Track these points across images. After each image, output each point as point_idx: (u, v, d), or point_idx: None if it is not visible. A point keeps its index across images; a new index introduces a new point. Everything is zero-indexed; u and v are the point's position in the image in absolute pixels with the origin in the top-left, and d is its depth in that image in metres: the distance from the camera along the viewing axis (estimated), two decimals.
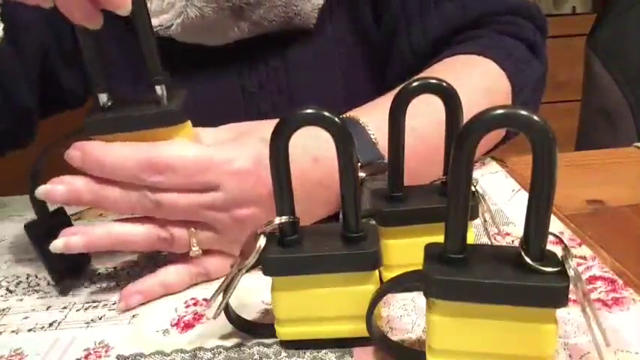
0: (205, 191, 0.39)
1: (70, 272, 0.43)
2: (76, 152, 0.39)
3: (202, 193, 0.39)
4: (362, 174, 0.43)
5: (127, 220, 0.41)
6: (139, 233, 0.40)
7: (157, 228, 0.40)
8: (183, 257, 0.42)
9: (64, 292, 0.43)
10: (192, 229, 0.41)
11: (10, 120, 0.62)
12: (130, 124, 0.40)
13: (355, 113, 0.48)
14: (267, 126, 0.42)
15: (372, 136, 0.46)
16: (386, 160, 0.45)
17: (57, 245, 0.39)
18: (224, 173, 0.39)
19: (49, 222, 0.41)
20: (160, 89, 0.40)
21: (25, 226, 0.41)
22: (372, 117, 0.47)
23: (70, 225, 0.43)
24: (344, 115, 0.48)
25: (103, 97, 0.40)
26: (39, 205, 0.42)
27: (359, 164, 0.44)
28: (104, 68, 0.40)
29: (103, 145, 0.39)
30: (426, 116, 0.48)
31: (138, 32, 0.39)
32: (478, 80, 0.54)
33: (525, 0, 0.63)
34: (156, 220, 0.40)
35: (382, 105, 0.50)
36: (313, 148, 0.43)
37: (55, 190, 0.39)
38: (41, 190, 0.39)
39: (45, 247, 0.41)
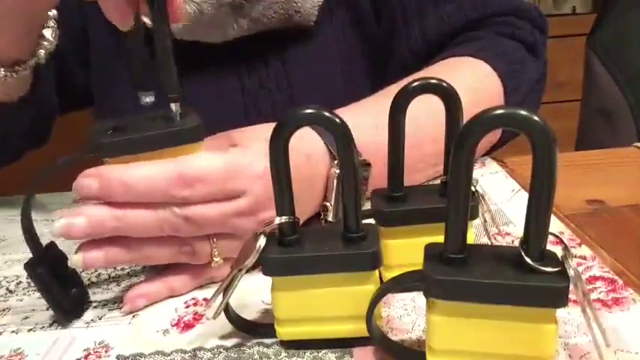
0: (232, 199, 0.39)
1: (74, 309, 0.41)
2: (90, 180, 0.37)
3: (229, 201, 0.39)
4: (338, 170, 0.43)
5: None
6: (160, 248, 0.39)
7: (179, 242, 0.39)
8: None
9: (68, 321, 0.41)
10: (214, 239, 0.40)
11: (34, 118, 0.63)
12: (148, 143, 0.38)
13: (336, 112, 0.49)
14: (264, 128, 0.43)
15: None
16: (362, 157, 0.46)
17: (76, 260, 0.38)
18: (248, 177, 0.39)
19: (45, 258, 0.39)
20: (175, 107, 0.39)
21: (25, 267, 0.39)
22: (348, 117, 0.47)
23: (65, 258, 0.40)
24: None
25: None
26: (33, 240, 0.39)
27: (335, 161, 0.44)
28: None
29: (121, 167, 0.37)
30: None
31: (156, 50, 0.38)
32: (465, 80, 0.54)
33: (525, 1, 0.64)
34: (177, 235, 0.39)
35: (361, 106, 0.51)
36: (304, 147, 0.43)
37: (74, 224, 0.37)
38: (59, 228, 0.37)
39: (48, 286, 0.39)
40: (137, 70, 0.40)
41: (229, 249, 0.40)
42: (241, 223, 0.39)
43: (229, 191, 0.38)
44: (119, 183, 0.37)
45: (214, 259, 0.40)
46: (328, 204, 0.45)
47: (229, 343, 0.36)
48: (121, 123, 0.39)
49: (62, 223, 0.37)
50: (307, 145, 0.44)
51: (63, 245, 0.40)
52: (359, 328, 0.33)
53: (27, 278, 0.46)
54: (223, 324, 0.36)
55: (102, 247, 0.38)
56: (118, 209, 0.37)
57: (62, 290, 0.39)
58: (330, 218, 0.45)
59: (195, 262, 0.41)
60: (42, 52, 0.51)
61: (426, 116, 0.48)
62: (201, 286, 0.43)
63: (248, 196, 0.39)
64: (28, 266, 0.38)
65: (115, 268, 0.46)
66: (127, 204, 0.37)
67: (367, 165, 0.46)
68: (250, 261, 0.33)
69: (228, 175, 0.38)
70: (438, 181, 0.39)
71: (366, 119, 0.48)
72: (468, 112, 0.31)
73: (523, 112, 0.25)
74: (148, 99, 0.40)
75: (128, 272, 0.46)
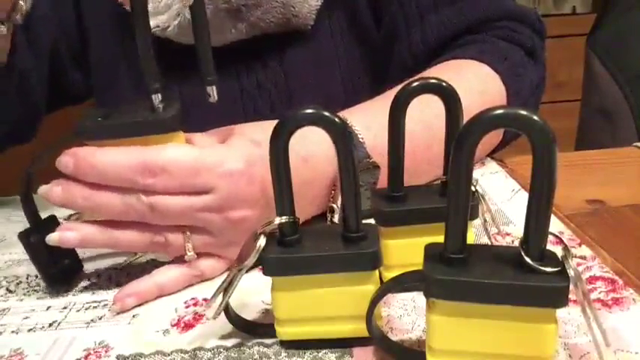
0: (199, 194, 0.39)
1: (63, 279, 0.44)
2: (67, 158, 0.39)
3: (196, 195, 0.39)
4: None
5: (123, 221, 0.40)
6: (134, 235, 0.40)
7: (152, 231, 0.40)
8: (178, 258, 0.42)
9: (57, 295, 0.43)
10: (187, 232, 0.41)
11: (17, 112, 0.63)
12: (123, 130, 0.40)
13: (343, 113, 0.49)
14: (256, 127, 0.43)
15: (359, 136, 0.46)
16: (372, 159, 0.46)
17: (52, 238, 0.40)
18: (217, 175, 0.39)
19: (41, 229, 0.41)
20: (155, 98, 0.40)
21: (18, 235, 0.42)
22: (360, 118, 0.48)
23: None
24: None
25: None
26: (31, 212, 0.42)
27: None
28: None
29: (95, 149, 0.39)
30: (415, 118, 0.48)
31: (137, 41, 0.39)
32: (472, 83, 0.54)
33: (524, 5, 0.64)
34: (151, 224, 0.40)
35: (372, 106, 0.51)
36: (301, 150, 0.44)
37: (53, 190, 0.40)
38: (42, 190, 0.40)
39: (38, 255, 0.41)
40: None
41: (203, 243, 0.41)
42: (209, 219, 0.40)
43: (195, 186, 0.39)
44: (88, 164, 0.39)
45: (187, 252, 0.41)
46: (335, 205, 0.45)
47: (229, 343, 0.36)
48: (112, 109, 0.41)
49: (46, 187, 0.40)
50: (308, 147, 0.44)
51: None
52: (359, 328, 0.33)
53: (27, 278, 0.46)
54: (223, 324, 0.36)
55: (79, 227, 0.40)
56: (88, 188, 0.39)
57: (52, 260, 0.42)
58: (336, 220, 0.45)
59: (169, 253, 0.42)
60: (17, 16, 0.51)
61: (435, 117, 0.48)
62: (201, 286, 0.43)
63: (215, 194, 0.39)
64: (22, 235, 0.42)
65: (114, 269, 0.46)
66: (98, 185, 0.39)
67: (376, 167, 0.46)
68: (250, 261, 0.33)
69: (195, 170, 0.39)
70: (437, 181, 0.39)
71: (378, 119, 0.48)
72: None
73: (523, 112, 0.25)
74: (215, 93, 0.42)
75: (128, 273, 0.46)
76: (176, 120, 0.40)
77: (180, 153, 0.39)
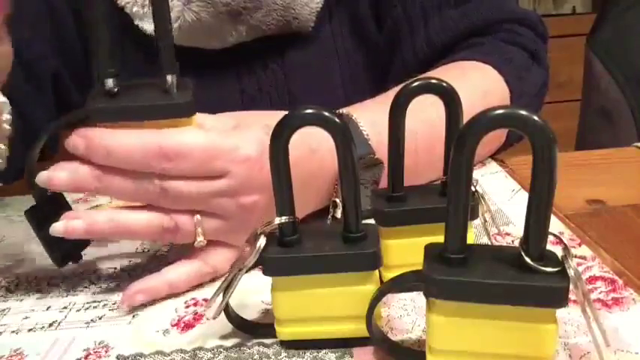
0: (212, 179, 0.39)
1: (71, 255, 0.44)
2: (79, 139, 0.38)
3: (209, 180, 0.39)
4: None
5: (131, 207, 0.40)
6: (143, 221, 0.40)
7: (162, 216, 0.40)
8: (188, 256, 0.42)
9: (64, 266, 0.44)
10: (198, 216, 0.40)
11: (29, 143, 0.63)
12: (138, 113, 0.39)
13: (349, 109, 0.49)
14: (270, 114, 0.43)
15: (364, 132, 0.47)
16: (376, 155, 0.46)
17: (57, 229, 0.39)
18: (232, 160, 0.39)
19: (48, 206, 0.41)
20: (170, 78, 0.39)
21: (25, 212, 0.41)
22: (366, 114, 0.48)
23: (69, 208, 0.43)
24: (338, 111, 0.49)
25: (110, 82, 0.39)
26: (38, 189, 0.41)
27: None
28: (113, 53, 0.39)
29: (108, 131, 0.39)
30: (418, 118, 0.48)
31: (155, 23, 0.39)
32: (476, 84, 0.54)
33: (526, 9, 0.64)
34: (160, 209, 0.40)
35: (377, 103, 0.51)
36: (311, 141, 0.43)
37: (56, 176, 0.39)
38: (42, 177, 0.39)
39: (46, 232, 0.40)
40: (104, 58, 0.39)
41: (213, 229, 0.41)
42: (221, 204, 0.40)
43: (209, 170, 0.39)
44: (101, 147, 0.38)
45: (197, 237, 0.41)
46: (338, 200, 0.45)
47: (229, 343, 0.36)
48: (120, 87, 0.40)
49: (47, 173, 0.39)
50: (317, 139, 0.43)
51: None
52: (359, 328, 0.33)
53: (27, 278, 0.46)
54: (223, 324, 0.36)
55: (85, 215, 0.40)
56: (100, 170, 0.39)
57: (59, 236, 0.41)
58: (338, 215, 0.45)
59: (179, 240, 0.41)
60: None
61: (438, 118, 0.48)
62: (201, 286, 0.43)
63: (229, 178, 0.39)
64: (28, 212, 0.41)
65: (116, 268, 0.46)
66: (109, 167, 0.38)
67: (379, 163, 0.46)
68: (250, 261, 0.33)
69: (210, 155, 0.39)
70: (438, 181, 0.39)
71: (381, 117, 0.48)
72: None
73: (523, 112, 0.25)
74: (113, 84, 0.40)
75: (129, 273, 0.46)
76: (192, 105, 0.40)
77: (195, 137, 0.39)
